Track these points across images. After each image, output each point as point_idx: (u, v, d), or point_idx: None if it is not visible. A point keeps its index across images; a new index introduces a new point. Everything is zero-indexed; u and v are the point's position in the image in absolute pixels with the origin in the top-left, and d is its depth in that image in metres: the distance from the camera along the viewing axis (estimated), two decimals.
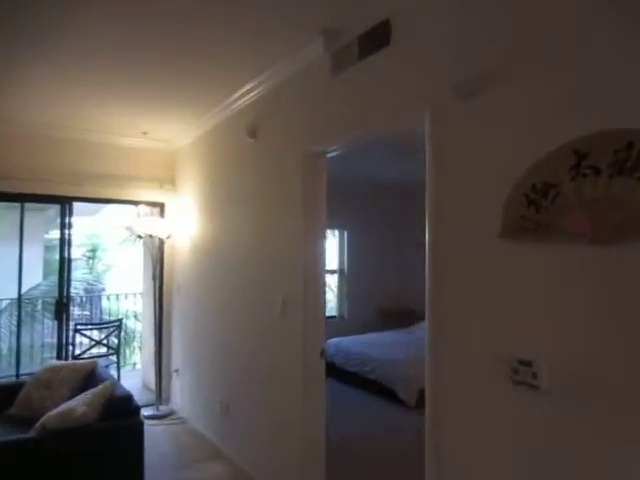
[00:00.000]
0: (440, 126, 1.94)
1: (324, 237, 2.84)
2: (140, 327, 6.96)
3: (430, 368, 2.00)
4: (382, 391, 5.12)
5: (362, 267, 7.83)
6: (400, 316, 7.90)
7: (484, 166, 1.79)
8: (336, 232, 7.66)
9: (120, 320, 5.72)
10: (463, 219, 1.88)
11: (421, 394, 4.89)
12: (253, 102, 3.35)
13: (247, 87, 3.29)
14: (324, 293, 2.86)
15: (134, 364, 7.15)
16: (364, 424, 4.48)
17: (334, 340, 6.14)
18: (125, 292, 7.70)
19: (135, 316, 7.71)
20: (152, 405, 4.61)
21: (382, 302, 7.95)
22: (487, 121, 1.78)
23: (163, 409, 4.63)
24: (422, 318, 7.07)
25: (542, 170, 1.55)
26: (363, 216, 7.83)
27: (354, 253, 7.74)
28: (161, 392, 4.68)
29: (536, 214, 1.58)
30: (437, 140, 1.95)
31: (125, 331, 6.83)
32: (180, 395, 4.58)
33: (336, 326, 7.33)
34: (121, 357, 5.82)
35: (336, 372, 5.85)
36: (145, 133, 4.58)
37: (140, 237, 4.81)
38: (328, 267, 7.48)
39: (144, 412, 4.05)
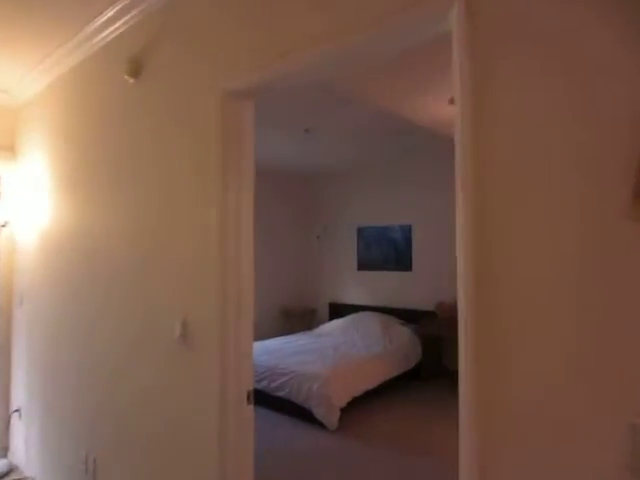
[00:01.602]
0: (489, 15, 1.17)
1: (251, 225, 1.92)
2: None
3: (470, 438, 1.22)
4: (295, 411, 4.32)
5: (261, 262, 6.89)
6: (303, 316, 7.17)
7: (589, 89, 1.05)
8: None
9: None
10: (538, 181, 1.13)
11: (344, 413, 4.20)
12: (135, 25, 2.29)
13: (123, 3, 2.23)
14: (251, 307, 1.94)
15: None
16: (273, 455, 3.63)
17: None
18: None
19: None
20: None
21: (284, 302, 7.14)
22: None
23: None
24: (324, 318, 6.37)
25: None
26: (260, 206, 6.90)
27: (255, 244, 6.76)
28: None
29: None
30: (482, 42, 1.18)
31: None
32: (25, 446, 3.29)
33: None
34: None
35: None
36: None
37: None
38: None
39: None
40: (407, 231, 6.22)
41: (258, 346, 5.26)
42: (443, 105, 2.85)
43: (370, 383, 4.58)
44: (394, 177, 6.37)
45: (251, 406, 1.86)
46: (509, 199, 1.18)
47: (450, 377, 5.63)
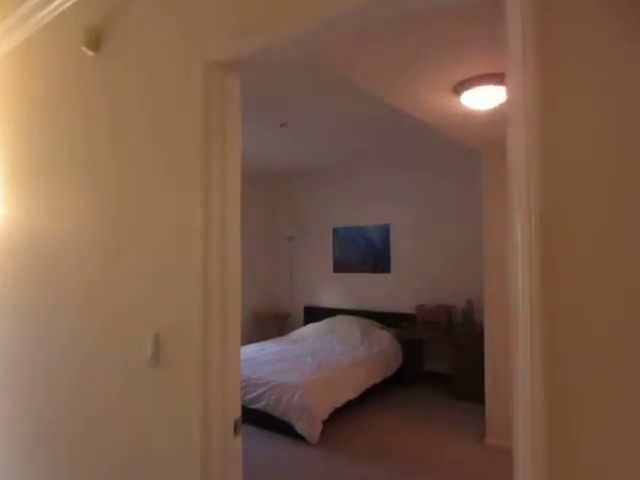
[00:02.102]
0: None
1: (238, 219, 1.63)
2: None
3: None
4: (274, 424, 4.02)
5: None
6: (275, 321, 6.86)
7: None
8: None
9: None
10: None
11: (326, 425, 3.94)
12: None
13: None
14: (239, 321, 1.64)
15: None
16: (252, 473, 3.32)
17: None
18: None
19: None
20: None
21: (255, 306, 6.82)
22: None
23: None
24: (299, 323, 6.10)
25: None
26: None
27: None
28: None
29: None
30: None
31: None
32: None
33: None
34: None
35: None
36: None
37: None
38: None
39: None
40: (385, 231, 6.02)
41: None
42: (444, 94, 2.56)
43: (352, 392, 4.33)
44: (371, 175, 6.16)
45: (239, 437, 1.57)
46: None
47: (431, 381, 5.46)
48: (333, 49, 2.03)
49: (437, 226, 5.57)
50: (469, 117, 2.77)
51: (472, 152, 4.93)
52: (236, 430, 1.54)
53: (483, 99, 2.25)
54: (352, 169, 6.31)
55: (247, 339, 6.47)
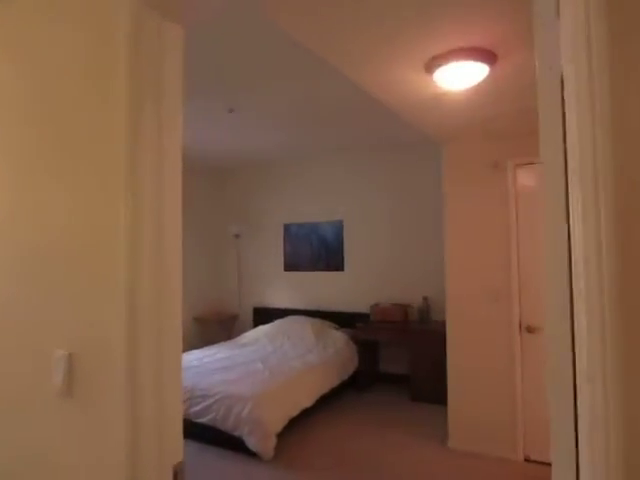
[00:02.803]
0: None
1: (179, 204, 1.27)
2: None
3: None
4: (223, 440, 3.64)
5: None
6: (222, 324, 6.44)
7: None
8: None
9: None
10: None
11: (280, 439, 3.61)
12: None
13: None
14: (179, 333, 1.29)
15: None
16: None
17: None
18: None
19: None
20: None
21: (199, 308, 6.37)
22: None
23: None
24: (248, 325, 5.73)
25: None
26: None
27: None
28: None
29: None
30: None
31: None
32: None
33: None
34: None
35: None
36: None
37: None
38: None
39: None
40: (338, 228, 5.76)
41: None
42: (415, 72, 2.24)
43: (307, 399, 4.02)
44: (325, 168, 5.88)
45: None
46: None
47: (388, 382, 5.26)
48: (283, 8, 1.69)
49: (392, 222, 5.38)
50: (439, 101, 2.53)
51: (433, 146, 4.78)
52: (176, 478, 1.19)
53: (459, 77, 2.01)
54: (305, 161, 6.00)
55: (191, 345, 6.01)
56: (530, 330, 3.18)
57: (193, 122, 4.28)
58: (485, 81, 2.23)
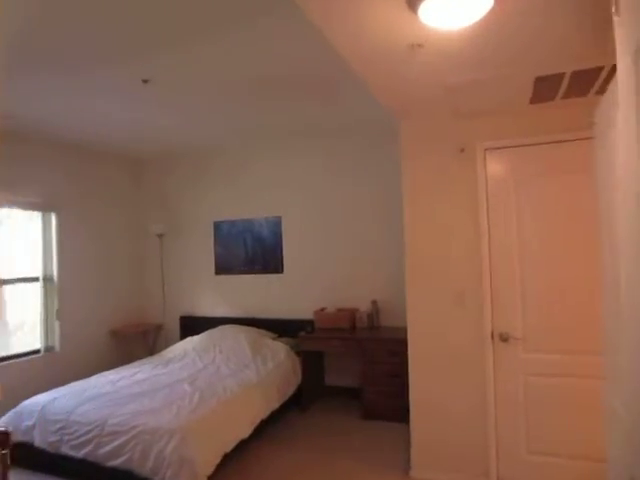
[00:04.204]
0: None
1: None
2: None
3: None
4: None
5: (82, 270, 5.20)
6: (144, 336, 5.64)
7: None
8: (35, 215, 4.80)
9: None
10: None
11: None
12: None
13: None
14: None
15: None
16: None
17: (38, 399, 3.54)
18: None
19: None
20: None
21: (116, 319, 5.53)
22: None
23: None
24: (175, 337, 4.96)
25: None
26: (79, 192, 5.19)
27: (69, 248, 5.04)
28: None
29: None
30: None
31: None
32: None
33: (40, 369, 4.59)
34: None
35: (41, 460, 3.30)
36: None
37: None
38: (22, 272, 4.62)
39: None
40: (276, 225, 5.17)
41: (76, 390, 3.68)
42: (395, 7, 1.62)
43: (245, 428, 3.39)
44: (260, 158, 5.26)
45: None
46: None
47: (334, 397, 4.74)
48: None
49: (336, 218, 4.87)
50: (412, 55, 2.03)
51: (388, 128, 4.31)
52: None
53: (452, 12, 1.51)
54: (236, 150, 5.34)
55: (107, 363, 5.16)
56: (504, 338, 2.78)
57: (102, 96, 3.51)
58: (479, 27, 1.75)
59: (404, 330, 4.37)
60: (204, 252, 5.53)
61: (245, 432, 3.36)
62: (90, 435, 3.11)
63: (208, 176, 5.54)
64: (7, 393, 4.07)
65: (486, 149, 2.85)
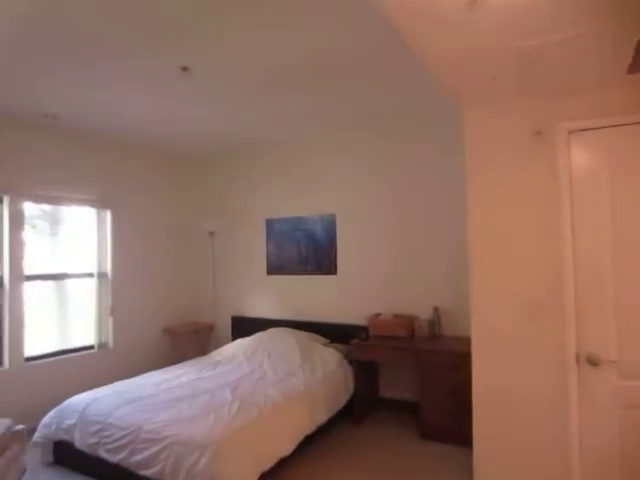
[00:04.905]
0: None
1: None
2: None
3: None
4: None
5: (135, 267, 5.18)
6: (196, 335, 5.55)
7: None
8: (91, 211, 4.83)
9: None
10: None
11: None
12: None
13: None
14: None
15: None
16: None
17: (82, 398, 3.47)
18: None
19: None
20: None
21: (167, 318, 5.48)
22: None
23: None
24: (227, 336, 4.71)
25: None
26: (132, 188, 5.17)
27: (123, 245, 5.04)
28: None
29: None
30: None
31: None
32: None
33: (92, 365, 4.60)
34: None
35: (76, 461, 3.23)
36: None
37: None
38: (79, 268, 4.66)
39: None
40: (330, 223, 4.86)
41: (119, 391, 3.58)
42: None
43: (287, 444, 3.10)
44: (313, 152, 4.97)
45: None
46: None
47: (389, 411, 4.34)
48: None
49: (396, 215, 4.47)
50: (469, 15, 1.63)
51: (450, 117, 3.83)
52: None
53: None
54: (288, 144, 5.09)
55: (160, 361, 5.11)
56: (593, 362, 2.27)
57: (142, 90, 3.37)
58: None
59: (469, 341, 3.90)
60: (256, 251, 5.34)
61: (286, 449, 3.07)
62: (125, 440, 2.96)
63: (259, 172, 5.34)
64: (61, 387, 4.09)
65: (570, 131, 2.34)
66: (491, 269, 2.57)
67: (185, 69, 3.04)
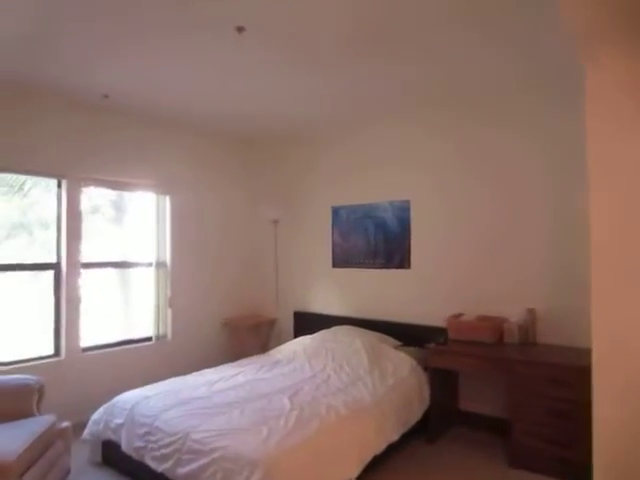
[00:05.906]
0: None
1: None
2: None
3: None
4: None
5: (194, 256, 4.94)
6: (256, 330, 5.24)
7: None
8: (151, 197, 4.63)
9: None
10: None
11: None
12: None
13: None
14: None
15: None
16: None
17: (132, 395, 3.22)
18: None
19: None
20: None
21: (226, 312, 5.21)
22: None
23: None
24: (288, 332, 4.25)
25: None
26: (192, 175, 4.92)
27: (183, 233, 4.82)
28: None
29: None
30: None
31: None
32: None
33: (150, 357, 4.40)
34: None
35: (124, 464, 2.97)
36: None
37: None
38: (140, 257, 4.48)
39: None
40: (403, 211, 4.31)
41: (170, 389, 3.30)
42: None
43: (351, 466, 2.63)
44: (384, 130, 4.45)
45: None
46: None
47: (471, 427, 3.75)
48: None
49: (480, 200, 3.85)
50: None
51: (555, 85, 3.16)
52: None
53: None
54: (358, 122, 4.58)
55: (218, 357, 4.85)
56: None
57: (199, 52, 3.02)
58: None
59: (575, 352, 3.24)
60: (320, 241, 4.91)
61: (351, 472, 2.61)
62: (171, 449, 2.64)
63: (325, 155, 4.89)
64: (117, 380, 3.92)
65: None
66: (622, 272, 1.93)
67: (240, 29, 2.64)
